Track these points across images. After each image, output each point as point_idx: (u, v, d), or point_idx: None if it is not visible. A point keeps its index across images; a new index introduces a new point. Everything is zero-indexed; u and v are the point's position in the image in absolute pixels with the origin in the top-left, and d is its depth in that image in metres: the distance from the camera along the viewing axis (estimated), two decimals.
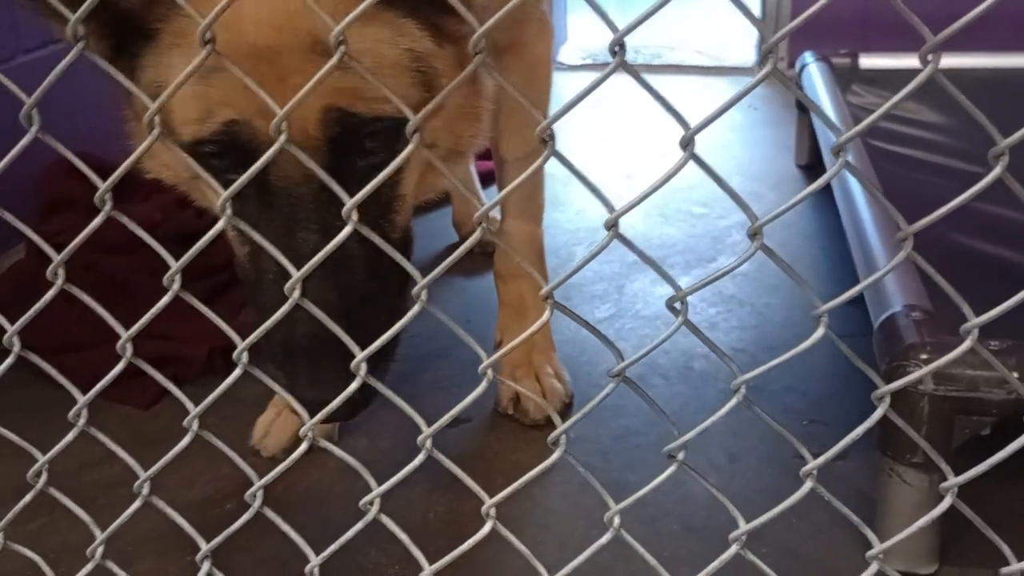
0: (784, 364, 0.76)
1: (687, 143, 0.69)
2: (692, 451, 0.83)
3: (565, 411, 1.78)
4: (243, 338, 0.86)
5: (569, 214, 2.68)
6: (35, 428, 0.99)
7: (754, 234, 0.73)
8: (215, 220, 0.81)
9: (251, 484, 0.93)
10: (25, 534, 1.45)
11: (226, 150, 1.02)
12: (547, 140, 0.71)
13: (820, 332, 0.74)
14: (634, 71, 0.68)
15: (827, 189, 2.28)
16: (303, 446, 0.88)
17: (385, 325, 0.82)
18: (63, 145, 0.81)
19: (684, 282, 2.33)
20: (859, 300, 1.85)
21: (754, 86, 0.66)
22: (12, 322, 0.91)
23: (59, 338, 1.83)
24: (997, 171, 0.67)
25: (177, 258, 0.83)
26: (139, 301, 0.84)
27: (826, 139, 2.50)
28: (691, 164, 0.70)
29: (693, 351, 1.98)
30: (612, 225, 0.73)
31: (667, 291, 0.78)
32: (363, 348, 0.82)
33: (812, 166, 2.93)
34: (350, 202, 0.76)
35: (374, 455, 1.70)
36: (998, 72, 2.65)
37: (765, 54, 0.65)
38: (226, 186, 0.81)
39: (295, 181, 1.02)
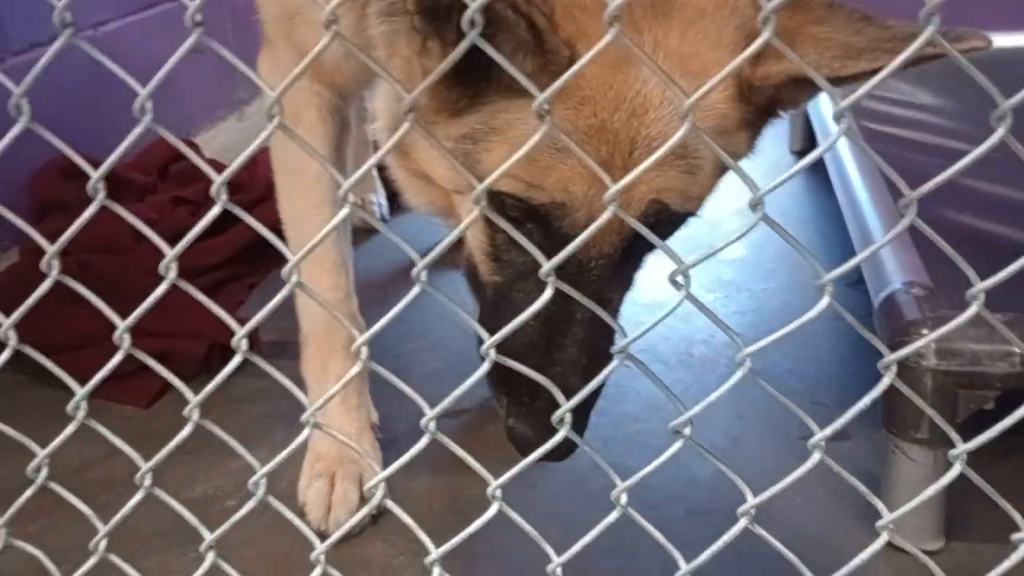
0: (786, 347, 0.76)
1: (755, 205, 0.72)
2: (695, 433, 0.82)
3: None
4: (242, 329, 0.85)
5: None
6: (34, 430, 0.97)
7: (755, 205, 0.72)
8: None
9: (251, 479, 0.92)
10: (26, 535, 1.42)
11: (529, 214, 1.03)
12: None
13: (825, 301, 0.73)
14: None
15: (822, 173, 2.28)
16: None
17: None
18: (50, 148, 0.79)
19: None
20: (859, 281, 1.84)
21: None
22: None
23: (55, 338, 1.81)
24: (1001, 132, 0.66)
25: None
26: (134, 301, 0.83)
27: (820, 123, 2.49)
28: None
29: (693, 337, 1.98)
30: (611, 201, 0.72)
31: (664, 279, 0.77)
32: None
33: (806, 152, 2.93)
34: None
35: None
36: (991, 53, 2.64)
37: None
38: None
39: (592, 255, 1.06)
